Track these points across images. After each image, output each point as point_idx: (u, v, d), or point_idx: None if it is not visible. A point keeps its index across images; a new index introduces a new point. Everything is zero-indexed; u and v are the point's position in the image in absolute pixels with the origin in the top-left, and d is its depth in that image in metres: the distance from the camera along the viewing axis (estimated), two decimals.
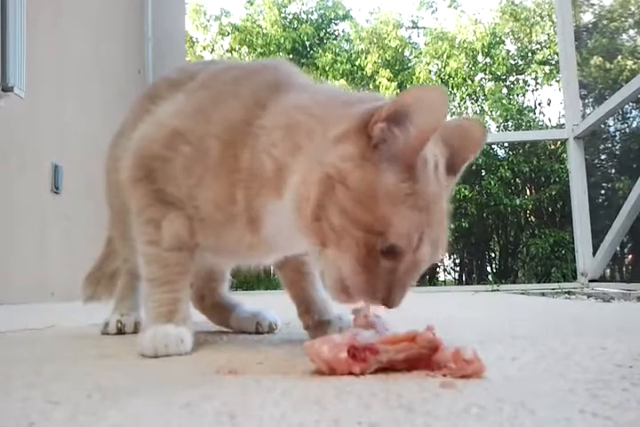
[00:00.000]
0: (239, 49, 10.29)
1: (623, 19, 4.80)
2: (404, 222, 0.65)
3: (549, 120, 9.01)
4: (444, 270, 9.02)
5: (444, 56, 8.91)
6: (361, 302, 0.70)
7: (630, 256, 4.52)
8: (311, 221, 0.68)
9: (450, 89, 9.16)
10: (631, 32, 4.86)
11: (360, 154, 0.67)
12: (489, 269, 8.91)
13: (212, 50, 10.71)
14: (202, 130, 0.81)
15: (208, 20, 10.68)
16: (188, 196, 0.83)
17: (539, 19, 9.25)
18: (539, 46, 9.23)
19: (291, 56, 9.25)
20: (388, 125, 0.66)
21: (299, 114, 0.75)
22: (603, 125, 3.87)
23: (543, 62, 8.81)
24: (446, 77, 8.98)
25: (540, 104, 9.17)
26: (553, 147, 8.09)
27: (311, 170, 0.69)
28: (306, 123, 0.73)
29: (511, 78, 9.32)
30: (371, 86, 9.30)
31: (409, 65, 9.49)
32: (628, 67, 4.73)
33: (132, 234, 0.91)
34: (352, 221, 0.66)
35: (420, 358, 0.63)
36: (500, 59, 8.91)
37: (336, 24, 10.82)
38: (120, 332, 1.11)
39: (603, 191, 4.42)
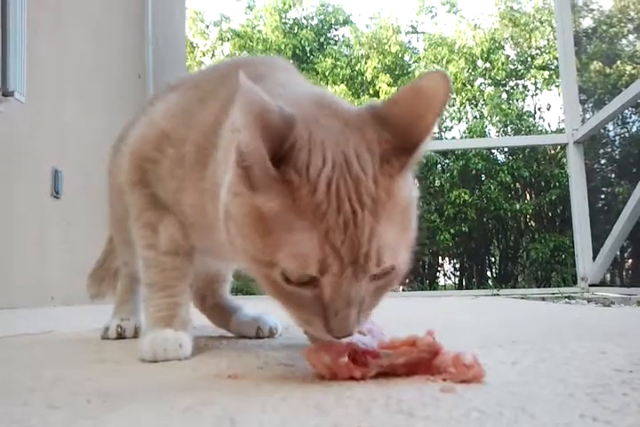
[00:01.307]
0: (239, 55, 10.33)
1: (622, 24, 4.82)
2: (292, 246, 0.55)
3: (549, 125, 9.04)
4: (444, 275, 9.02)
5: (444, 61, 8.94)
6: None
7: (630, 261, 4.52)
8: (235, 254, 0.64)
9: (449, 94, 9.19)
10: (630, 37, 4.88)
11: (234, 178, 0.59)
12: (489, 273, 8.90)
13: (213, 55, 10.75)
14: (183, 133, 0.80)
15: (207, 26, 10.73)
16: (174, 200, 0.82)
17: (538, 24, 9.29)
18: (538, 51, 9.27)
19: (291, 61, 9.27)
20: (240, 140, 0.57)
21: (230, 133, 0.69)
22: (602, 130, 3.88)
23: (543, 67, 8.84)
24: None
25: (539, 109, 9.19)
26: (553, 151, 8.10)
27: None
28: (231, 144, 0.65)
29: (511, 83, 9.35)
30: (371, 91, 9.34)
31: (409, 70, 9.52)
32: (628, 72, 4.74)
33: (132, 237, 0.91)
34: (245, 256, 0.60)
35: (421, 362, 0.63)
36: (500, 64, 8.94)
37: (336, 29, 10.87)
38: (120, 337, 1.10)
39: (602, 196, 4.42)
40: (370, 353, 0.61)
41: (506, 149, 8.24)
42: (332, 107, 0.63)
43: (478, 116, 9.00)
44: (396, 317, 1.70)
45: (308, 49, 10.15)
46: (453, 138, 8.94)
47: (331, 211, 0.54)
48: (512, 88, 9.30)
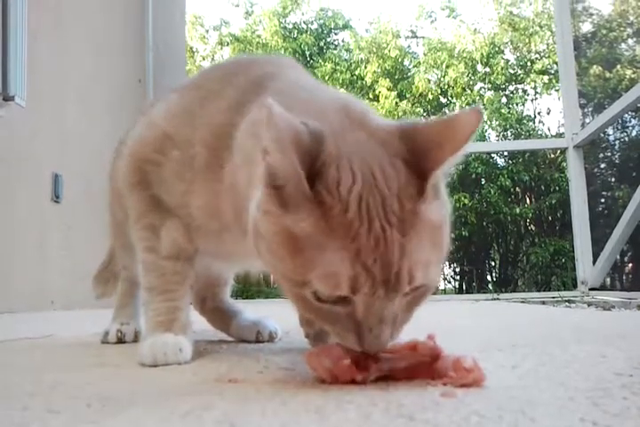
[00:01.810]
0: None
1: (622, 28, 4.84)
2: (323, 267, 0.54)
3: (549, 129, 9.05)
4: (444, 279, 9.00)
5: (444, 66, 8.96)
6: None
7: (630, 265, 4.51)
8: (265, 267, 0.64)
9: (449, 98, 9.22)
10: (630, 41, 4.90)
11: (264, 196, 0.58)
12: (489, 277, 8.89)
13: (212, 59, 10.78)
14: (188, 134, 0.79)
15: (207, 31, 10.76)
16: (181, 203, 0.81)
17: (538, 28, 9.32)
18: (538, 56, 9.29)
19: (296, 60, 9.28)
20: (272, 159, 0.56)
21: (250, 137, 0.68)
22: (602, 134, 3.88)
23: (542, 72, 8.87)
24: (445, 87, 9.04)
25: (539, 113, 9.21)
26: (552, 156, 8.11)
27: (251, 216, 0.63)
28: (253, 150, 0.65)
29: (510, 88, 9.38)
30: (370, 96, 9.35)
31: (408, 74, 9.55)
32: (628, 76, 4.75)
33: (132, 241, 0.90)
34: (275, 272, 0.60)
35: (422, 366, 0.62)
36: (500, 68, 8.96)
37: (336, 34, 10.90)
38: (120, 341, 1.10)
39: (602, 200, 4.42)
40: (371, 357, 0.61)
41: (506, 154, 8.25)
42: (358, 117, 0.62)
43: (482, 120, 9.01)
44: None
45: (307, 53, 10.17)
46: None
47: (362, 230, 0.54)
48: (512, 92, 9.32)
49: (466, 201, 7.68)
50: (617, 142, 4.40)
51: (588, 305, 2.47)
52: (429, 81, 9.14)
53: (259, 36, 10.32)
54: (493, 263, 8.93)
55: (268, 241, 0.58)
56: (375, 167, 0.56)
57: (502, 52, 9.41)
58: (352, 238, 0.54)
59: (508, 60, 9.42)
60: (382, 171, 0.56)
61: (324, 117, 0.61)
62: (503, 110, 8.53)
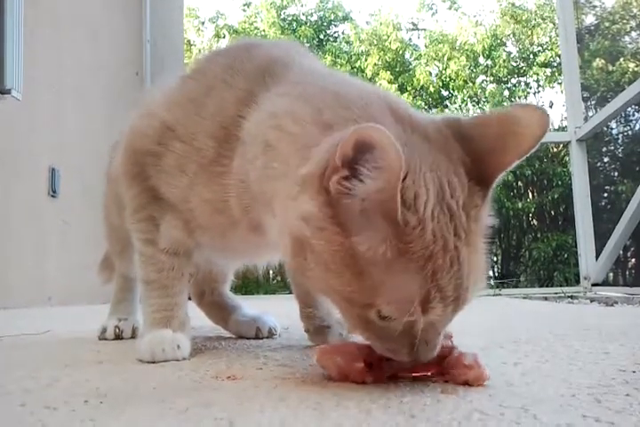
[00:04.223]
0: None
1: (625, 21, 4.80)
2: (394, 291, 0.52)
3: (552, 123, 9.01)
4: None
5: (445, 58, 8.91)
6: None
7: (633, 260, 4.50)
8: (298, 274, 0.60)
9: (451, 91, 9.18)
10: (633, 34, 4.86)
11: (319, 212, 0.54)
12: (491, 272, 8.89)
13: None
14: (193, 125, 0.75)
15: (203, 23, 10.69)
16: (182, 197, 0.78)
17: (540, 21, 9.25)
18: (540, 48, 9.23)
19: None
20: (347, 176, 0.52)
21: (274, 130, 0.64)
22: (605, 128, 3.86)
23: (545, 64, 8.81)
24: (447, 80, 8.99)
25: (542, 106, 9.16)
26: (555, 149, 8.08)
27: (284, 219, 0.59)
28: (280, 145, 0.62)
29: (513, 81, 9.32)
30: None
31: (409, 67, 9.50)
32: (631, 69, 4.72)
33: (129, 239, 0.89)
34: (330, 291, 0.56)
35: (433, 365, 0.62)
36: (502, 61, 8.91)
37: (336, 26, 10.83)
38: (118, 337, 1.10)
39: (605, 194, 4.40)
40: (383, 358, 0.61)
41: None
42: (405, 116, 0.58)
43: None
44: None
45: (307, 46, 10.11)
46: None
47: (437, 249, 0.51)
48: (514, 85, 9.26)
49: None
50: (620, 136, 4.38)
51: (591, 301, 2.47)
52: (431, 74, 9.09)
53: (257, 28, 10.26)
54: (495, 258, 8.91)
55: (325, 260, 0.54)
56: (443, 178, 0.53)
57: (504, 44, 9.35)
58: (428, 259, 0.51)
59: (510, 53, 9.36)
60: (449, 182, 0.53)
61: (374, 118, 0.56)
62: (505, 103, 8.49)
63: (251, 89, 0.71)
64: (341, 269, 0.53)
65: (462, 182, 0.54)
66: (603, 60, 4.67)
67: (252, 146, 0.67)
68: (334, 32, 10.86)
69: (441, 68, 9.08)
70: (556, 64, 8.57)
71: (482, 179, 0.55)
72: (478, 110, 9.07)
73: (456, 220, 0.53)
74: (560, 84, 8.23)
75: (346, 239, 0.53)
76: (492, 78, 9.24)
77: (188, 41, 10.21)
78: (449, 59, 8.88)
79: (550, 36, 9.05)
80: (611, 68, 4.74)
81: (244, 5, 10.59)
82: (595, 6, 4.81)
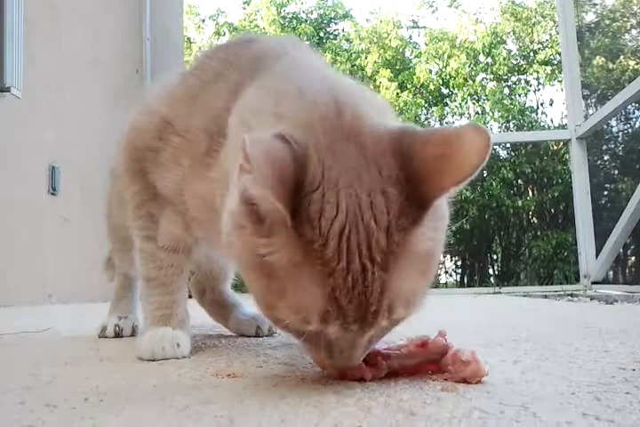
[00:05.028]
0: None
1: (626, 18, 4.79)
2: (295, 298, 0.52)
3: (551, 121, 8.99)
4: (446, 272, 9.00)
5: (445, 56, 8.90)
6: None
7: (633, 258, 4.50)
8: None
9: (451, 89, 9.16)
10: (634, 32, 4.85)
11: (239, 209, 0.54)
12: (491, 271, 8.89)
13: None
14: (189, 119, 0.75)
15: (203, 21, 10.66)
16: (176, 191, 0.78)
17: (540, 18, 9.24)
18: (540, 46, 9.22)
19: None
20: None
21: (240, 125, 0.64)
22: (605, 126, 3.85)
23: (545, 62, 8.80)
24: (447, 78, 8.97)
25: (542, 104, 9.15)
26: (555, 147, 8.07)
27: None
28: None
29: (513, 78, 9.31)
30: (371, 86, 9.29)
31: (409, 65, 9.48)
32: (631, 67, 4.71)
33: (130, 237, 0.89)
34: (249, 285, 0.57)
35: (432, 363, 0.62)
36: (502, 59, 8.89)
37: (336, 23, 10.81)
38: (118, 335, 1.10)
39: (606, 192, 4.40)
40: (380, 354, 0.61)
41: (508, 145, 8.21)
42: (348, 126, 0.55)
43: (480, 112, 8.96)
44: None
45: (307, 43, 10.08)
46: None
47: (339, 268, 0.50)
48: (514, 83, 9.25)
49: (467, 193, 7.65)
50: (620, 134, 4.37)
51: (591, 299, 2.47)
52: (431, 71, 9.08)
53: (257, 26, 10.24)
54: (495, 257, 8.93)
55: (243, 258, 0.55)
56: (363, 196, 0.51)
57: (504, 42, 9.33)
58: (328, 276, 0.50)
59: (510, 51, 9.34)
60: (371, 201, 0.51)
61: (312, 123, 0.55)
62: (505, 101, 8.47)
63: (242, 81, 0.71)
64: (253, 268, 0.54)
65: (389, 202, 0.51)
66: (603, 58, 4.66)
67: (229, 139, 0.68)
68: (334, 30, 10.84)
69: (441, 66, 9.06)
70: (556, 62, 8.55)
71: (419, 200, 0.51)
72: (478, 108, 9.06)
73: (371, 241, 0.50)
74: (560, 81, 8.22)
75: (257, 241, 0.52)
76: (492, 76, 9.23)
77: (188, 38, 10.19)
78: (449, 56, 8.87)
79: (550, 34, 9.04)
80: (611, 65, 4.73)
81: (245, 3, 10.57)
82: (595, 4, 4.79)
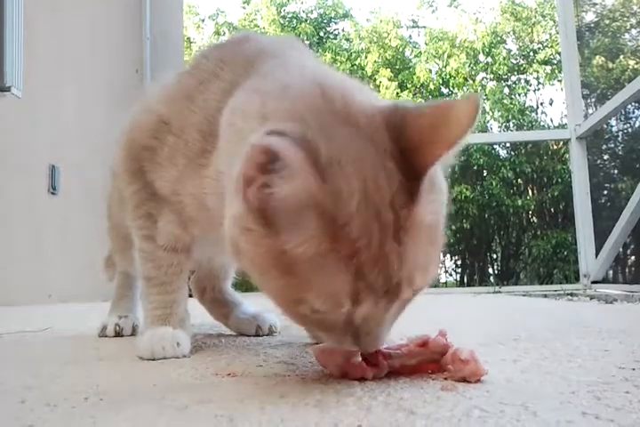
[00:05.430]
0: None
1: (625, 18, 4.78)
2: (323, 286, 0.52)
3: (551, 120, 8.99)
4: (446, 272, 9.01)
5: (445, 56, 8.90)
6: None
7: (633, 258, 4.51)
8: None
9: (451, 89, 9.16)
10: (633, 32, 4.85)
11: (245, 214, 0.53)
12: (490, 270, 8.89)
13: None
14: (184, 118, 0.76)
15: (203, 20, 10.66)
16: (172, 191, 0.78)
17: (540, 18, 9.24)
18: (540, 46, 9.22)
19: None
20: (264, 183, 0.51)
21: (229, 126, 0.65)
22: (605, 125, 3.85)
23: (545, 62, 8.80)
24: (447, 77, 8.97)
25: (541, 104, 9.15)
26: (555, 147, 8.07)
27: (226, 218, 0.58)
28: (231, 140, 0.63)
29: (513, 78, 9.31)
30: (371, 86, 9.28)
31: (409, 64, 9.48)
32: (631, 66, 4.71)
33: (130, 248, 0.89)
34: (265, 289, 0.57)
35: (432, 363, 0.62)
36: (502, 58, 8.90)
37: (336, 23, 10.80)
38: (118, 335, 1.10)
39: (605, 192, 4.40)
40: (381, 354, 0.61)
41: (508, 145, 8.21)
42: (341, 108, 0.56)
43: (480, 111, 8.97)
44: None
45: (307, 43, 10.08)
46: None
47: (363, 246, 0.51)
48: (514, 83, 9.25)
49: (467, 193, 7.65)
50: (620, 134, 4.38)
51: (591, 298, 2.47)
52: (431, 71, 9.08)
53: (257, 26, 10.24)
54: (495, 256, 8.93)
55: (255, 261, 0.55)
56: (368, 173, 0.52)
57: (504, 41, 9.33)
58: (353, 255, 0.51)
59: (510, 50, 9.35)
60: (375, 177, 0.52)
61: (301, 114, 0.55)
62: (505, 101, 8.47)
63: (235, 81, 0.71)
64: (271, 269, 0.54)
65: (390, 177, 0.52)
66: (603, 58, 4.66)
67: (221, 141, 0.68)
68: (334, 29, 10.84)
69: (441, 66, 9.06)
70: (555, 61, 8.55)
71: (415, 171, 0.52)
72: None
73: (382, 216, 0.51)
74: (560, 81, 8.22)
75: (271, 239, 0.52)
76: (492, 76, 9.23)
77: (188, 38, 10.18)
78: (449, 56, 8.87)
79: (550, 34, 9.04)
80: (611, 65, 4.73)
81: (244, 3, 10.57)
82: (595, 4, 4.79)
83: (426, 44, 9.48)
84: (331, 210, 0.50)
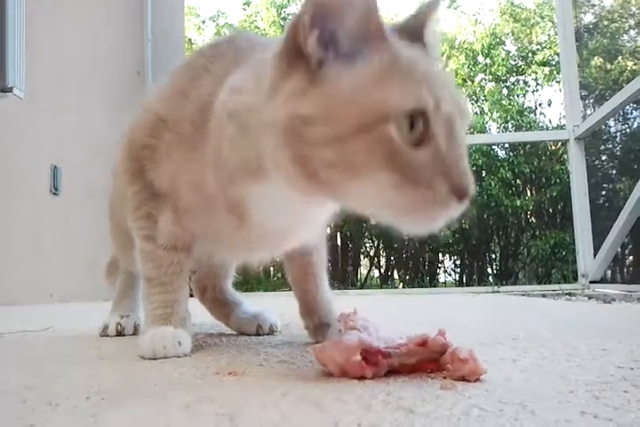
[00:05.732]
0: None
1: (624, 19, 4.80)
2: (399, 88, 0.56)
3: (550, 121, 9.00)
4: (445, 272, 9.01)
5: (444, 57, 8.90)
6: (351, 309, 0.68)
7: (631, 257, 4.51)
8: (311, 183, 0.59)
9: None
10: (632, 33, 4.86)
11: (304, 83, 0.58)
12: (489, 270, 8.90)
13: None
14: (179, 114, 0.77)
15: (204, 22, 10.66)
16: (170, 184, 0.79)
17: (539, 19, 9.25)
18: (539, 47, 9.23)
19: None
20: (322, 32, 0.57)
21: (230, 95, 0.69)
22: (603, 126, 3.86)
23: (543, 63, 8.81)
24: None
25: (540, 105, 9.15)
26: (554, 148, 8.08)
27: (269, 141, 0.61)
28: (240, 101, 0.67)
29: (511, 79, 9.31)
30: None
31: None
32: (629, 68, 4.72)
33: (131, 234, 0.90)
34: (346, 136, 0.55)
35: (432, 362, 0.62)
36: (500, 59, 8.90)
37: None
38: (119, 334, 1.10)
39: (604, 192, 4.41)
40: (381, 353, 0.61)
41: (506, 145, 8.22)
42: None
43: (479, 112, 8.97)
44: (396, 314, 1.70)
45: None
46: None
47: (424, 69, 0.59)
48: (513, 84, 9.26)
49: None
50: (618, 134, 4.39)
51: (589, 298, 2.47)
52: None
53: (257, 27, 10.23)
54: (494, 256, 8.93)
55: (324, 110, 0.57)
56: None
57: (503, 43, 9.34)
58: (420, 74, 0.58)
59: (509, 52, 9.35)
60: None
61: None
62: (504, 102, 8.48)
63: (227, 71, 0.74)
64: (342, 106, 0.56)
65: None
66: (601, 59, 4.67)
67: (219, 120, 0.70)
68: None
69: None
70: (554, 62, 8.56)
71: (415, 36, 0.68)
72: (477, 109, 9.06)
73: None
74: (558, 82, 8.23)
75: (341, 79, 0.57)
76: (490, 77, 9.24)
77: (189, 40, 10.18)
78: (448, 57, 8.87)
79: (549, 35, 9.05)
80: (609, 66, 4.74)
81: (245, 4, 10.57)
82: (593, 5, 4.80)
83: None
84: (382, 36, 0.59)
